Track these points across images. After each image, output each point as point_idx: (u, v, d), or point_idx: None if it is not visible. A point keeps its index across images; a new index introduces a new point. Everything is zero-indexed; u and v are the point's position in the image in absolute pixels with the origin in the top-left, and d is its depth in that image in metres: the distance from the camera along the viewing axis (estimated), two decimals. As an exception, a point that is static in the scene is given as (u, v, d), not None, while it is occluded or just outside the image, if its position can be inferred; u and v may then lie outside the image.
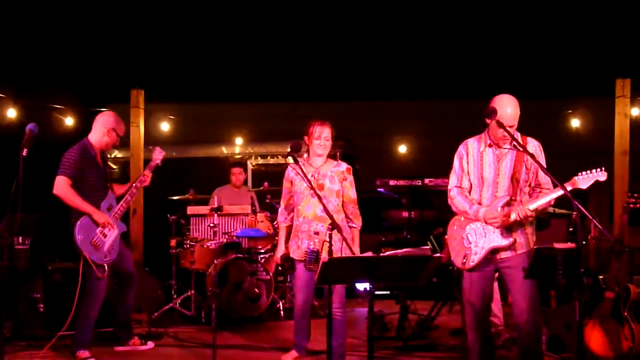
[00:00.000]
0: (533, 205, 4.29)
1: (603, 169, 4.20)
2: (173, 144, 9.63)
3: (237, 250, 7.21)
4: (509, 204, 4.38)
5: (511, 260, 4.40)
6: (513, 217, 4.30)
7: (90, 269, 5.31)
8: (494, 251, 4.41)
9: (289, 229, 5.34)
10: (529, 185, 4.44)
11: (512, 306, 4.49)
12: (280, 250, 5.35)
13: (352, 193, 5.23)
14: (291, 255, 5.24)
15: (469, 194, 4.53)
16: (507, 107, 4.32)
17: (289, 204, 5.31)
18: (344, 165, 5.26)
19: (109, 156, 9.38)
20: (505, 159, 4.42)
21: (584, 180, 4.21)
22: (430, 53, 8.35)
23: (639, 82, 7.43)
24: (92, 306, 5.44)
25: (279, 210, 5.43)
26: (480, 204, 4.46)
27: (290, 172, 5.26)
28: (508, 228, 4.37)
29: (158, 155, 5.91)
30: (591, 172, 4.21)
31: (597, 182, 4.26)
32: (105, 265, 5.40)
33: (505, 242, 4.37)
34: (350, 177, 5.25)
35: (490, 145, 4.45)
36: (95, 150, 5.56)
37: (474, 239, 4.45)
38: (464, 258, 4.46)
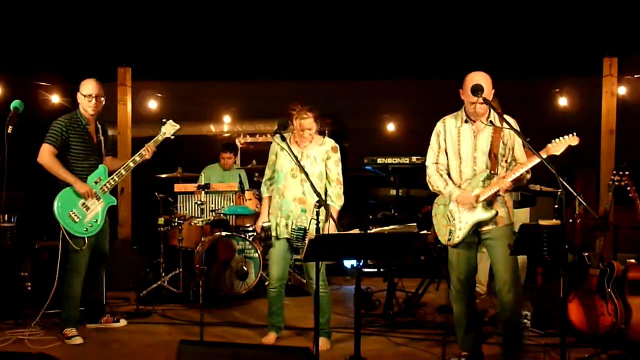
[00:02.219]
0: (512, 177, 4.39)
1: (574, 133, 4.26)
2: (161, 122, 9.58)
3: (225, 227, 7.22)
4: (489, 177, 4.47)
5: (493, 232, 4.52)
6: (494, 190, 4.40)
7: (70, 241, 5.31)
8: (477, 224, 4.50)
9: (270, 200, 5.33)
10: (506, 161, 4.53)
11: (495, 277, 4.60)
12: (263, 220, 5.31)
13: (334, 173, 5.17)
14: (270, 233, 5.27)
15: (448, 170, 4.63)
16: (479, 83, 4.37)
17: (273, 177, 5.31)
18: (329, 144, 5.22)
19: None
20: (482, 134, 4.52)
21: (557, 145, 4.31)
22: (418, 32, 8.31)
23: (626, 60, 7.44)
24: (74, 281, 5.43)
25: (263, 180, 5.40)
26: (461, 179, 4.56)
27: (275, 146, 5.25)
28: (489, 202, 4.47)
29: (170, 129, 5.68)
30: (563, 138, 4.28)
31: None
32: (86, 238, 5.38)
33: (487, 215, 4.47)
34: (335, 156, 5.20)
35: (466, 122, 4.55)
36: (87, 120, 5.49)
37: (458, 215, 4.55)
38: (449, 234, 4.56)
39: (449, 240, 4.58)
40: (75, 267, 5.43)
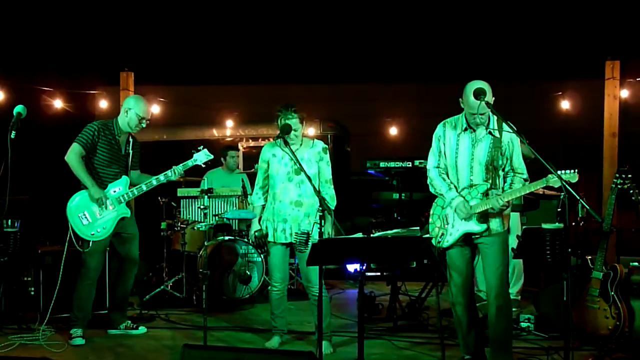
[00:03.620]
0: (508, 198, 4.41)
1: (576, 170, 4.22)
2: (163, 126, 9.61)
3: (228, 232, 7.23)
4: (486, 193, 4.49)
5: (486, 239, 4.56)
6: (488, 206, 4.42)
7: (74, 241, 5.36)
8: (468, 234, 4.55)
9: (263, 208, 5.36)
10: (503, 170, 4.54)
11: (485, 282, 4.64)
12: (254, 228, 5.36)
13: (327, 173, 5.24)
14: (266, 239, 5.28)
15: (447, 175, 4.65)
16: (481, 87, 4.40)
17: (265, 185, 5.32)
18: (319, 145, 5.28)
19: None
20: (480, 144, 4.52)
21: (555, 181, 4.23)
22: (420, 36, 8.33)
23: (629, 63, 7.44)
24: (83, 285, 5.47)
25: (254, 190, 5.41)
26: (457, 186, 4.59)
27: (266, 153, 5.27)
28: (484, 215, 4.49)
29: (202, 157, 5.65)
30: (564, 173, 4.24)
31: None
32: (90, 241, 5.41)
33: (478, 228, 4.51)
34: (326, 157, 5.27)
35: (465, 130, 4.56)
36: (120, 130, 5.55)
37: (452, 220, 4.59)
38: (440, 237, 4.63)
39: (439, 243, 4.64)
40: (86, 270, 5.48)
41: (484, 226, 4.48)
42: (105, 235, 5.49)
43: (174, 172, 5.59)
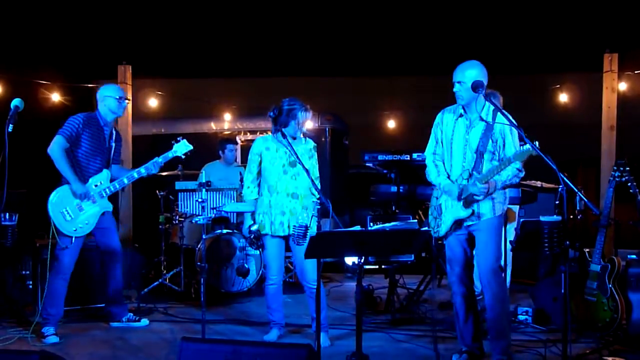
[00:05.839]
0: (482, 180, 4.38)
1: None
2: (161, 120, 9.59)
3: (226, 225, 7.22)
4: (471, 175, 4.51)
5: (478, 224, 4.57)
6: (470, 191, 4.43)
7: (57, 237, 5.31)
8: (458, 221, 4.57)
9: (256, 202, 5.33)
10: (498, 159, 4.51)
11: (478, 268, 4.65)
12: (249, 222, 5.34)
13: (315, 171, 5.27)
14: (262, 232, 5.25)
15: (443, 162, 4.69)
16: (467, 70, 4.45)
17: (256, 178, 5.30)
18: (311, 143, 5.33)
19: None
20: (474, 131, 4.53)
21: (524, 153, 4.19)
22: (418, 28, 8.31)
23: (627, 56, 7.43)
24: (56, 278, 5.40)
25: (245, 184, 5.36)
26: (451, 172, 4.62)
27: (260, 146, 5.25)
28: (470, 200, 4.50)
29: (182, 148, 5.60)
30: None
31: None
32: (73, 237, 5.37)
33: (465, 213, 4.52)
34: (316, 155, 5.33)
35: (461, 115, 4.58)
36: (105, 122, 5.51)
37: (444, 210, 4.64)
38: (437, 227, 4.68)
39: (436, 233, 4.70)
40: (60, 266, 5.41)
41: (469, 211, 4.49)
42: (88, 231, 5.44)
43: (154, 165, 5.54)
